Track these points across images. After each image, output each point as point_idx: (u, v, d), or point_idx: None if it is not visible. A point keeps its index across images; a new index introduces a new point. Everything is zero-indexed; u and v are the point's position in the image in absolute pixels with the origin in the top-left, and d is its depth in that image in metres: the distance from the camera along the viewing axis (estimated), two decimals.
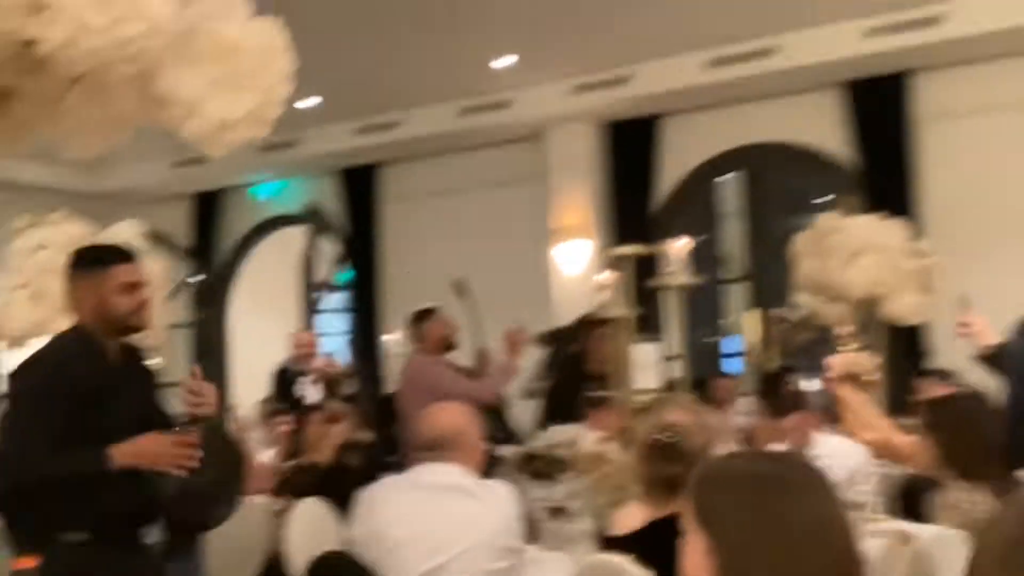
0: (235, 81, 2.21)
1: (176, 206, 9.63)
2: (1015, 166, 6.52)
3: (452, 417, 3.09)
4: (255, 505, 4.63)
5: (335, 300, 9.78)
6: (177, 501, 2.58)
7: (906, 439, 3.41)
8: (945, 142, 6.77)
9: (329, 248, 9.31)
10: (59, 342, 2.74)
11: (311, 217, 8.62)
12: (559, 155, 7.91)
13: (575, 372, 5.48)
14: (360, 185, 8.92)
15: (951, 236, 6.35)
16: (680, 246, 3.86)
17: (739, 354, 8.94)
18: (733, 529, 1.33)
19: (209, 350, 9.84)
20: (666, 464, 2.79)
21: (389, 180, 8.90)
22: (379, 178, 8.93)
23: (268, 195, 9.51)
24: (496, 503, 2.96)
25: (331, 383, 6.56)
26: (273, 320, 9.53)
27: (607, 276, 4.01)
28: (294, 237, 9.88)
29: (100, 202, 8.54)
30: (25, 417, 2.54)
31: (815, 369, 6.71)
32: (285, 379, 6.97)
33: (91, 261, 2.68)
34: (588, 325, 5.47)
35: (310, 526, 3.77)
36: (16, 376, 2.62)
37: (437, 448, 3.00)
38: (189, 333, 9.45)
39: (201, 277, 9.52)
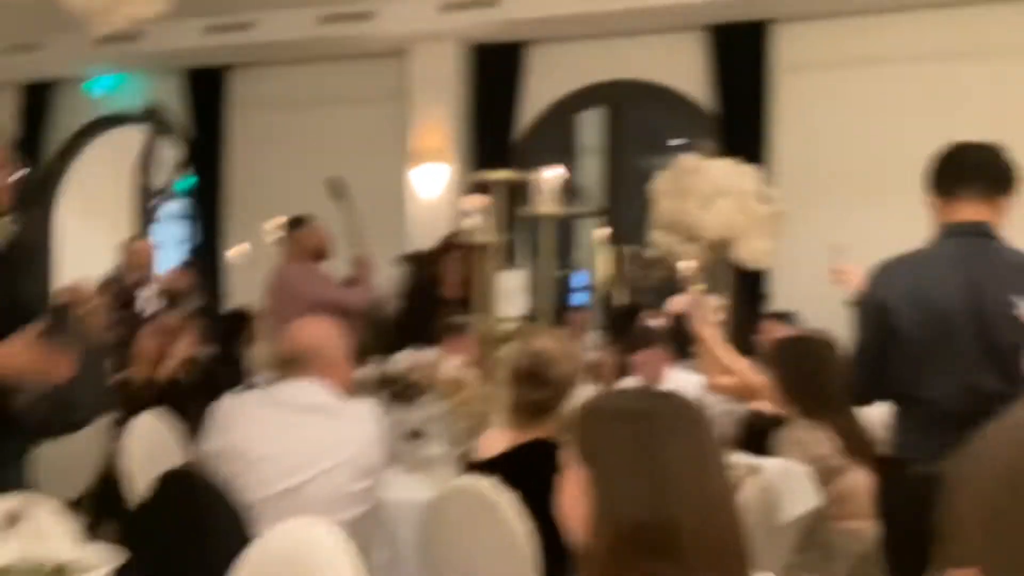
0: None
1: (1, 96, 8.83)
2: (865, 121, 6.81)
3: (314, 331, 2.97)
4: None
5: (173, 208, 9.28)
6: (37, 406, 2.32)
7: (761, 379, 3.53)
8: (801, 93, 6.98)
9: (169, 152, 8.77)
10: None
11: (151, 117, 8.07)
12: (422, 75, 7.69)
13: (430, 296, 5.42)
14: (207, 87, 8.41)
15: (799, 185, 6.59)
16: (552, 175, 3.81)
17: (588, 288, 9.10)
18: (613, 464, 1.36)
19: (30, 254, 9.17)
20: (533, 389, 2.81)
21: (239, 85, 8.43)
22: (228, 82, 8.44)
23: (104, 91, 8.83)
24: (358, 423, 2.88)
25: (174, 297, 6.24)
26: (103, 226, 8.95)
27: (474, 200, 3.92)
28: (131, 138, 9.26)
29: None
30: None
31: (662, 306, 6.93)
32: (121, 291, 6.57)
33: None
34: (446, 249, 5.40)
35: (150, 441, 3.62)
36: None
37: (298, 364, 2.88)
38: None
39: (23, 173, 8.82)
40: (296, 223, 5.49)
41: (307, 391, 2.89)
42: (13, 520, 1.53)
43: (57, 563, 1.59)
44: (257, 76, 8.35)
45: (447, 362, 3.69)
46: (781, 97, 7.01)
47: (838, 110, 6.87)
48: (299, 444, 2.80)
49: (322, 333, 2.97)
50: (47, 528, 1.63)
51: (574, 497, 1.39)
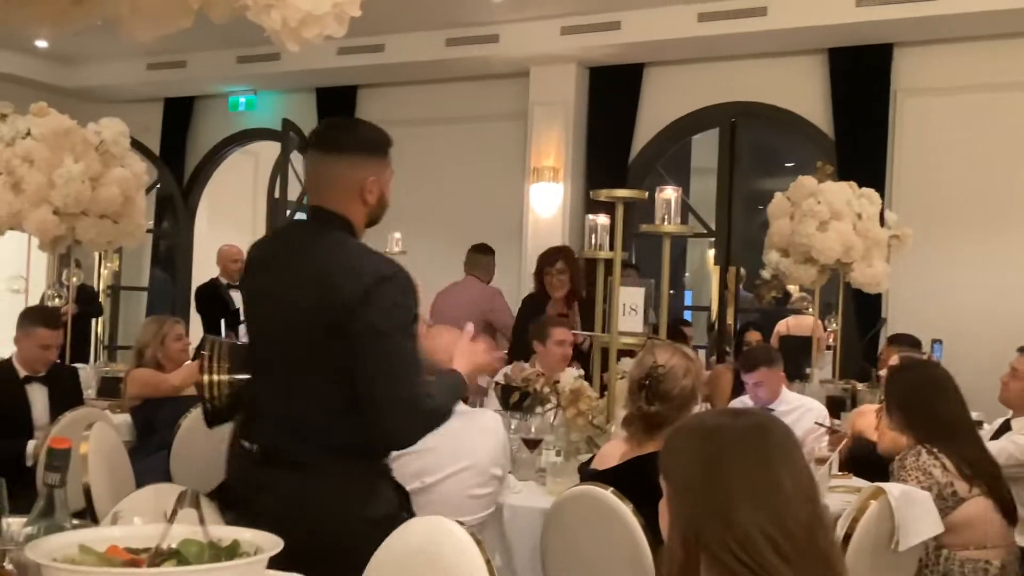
0: None
1: (148, 109, 9.45)
2: (985, 147, 6.70)
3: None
4: None
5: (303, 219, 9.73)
6: None
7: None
8: (921, 117, 6.92)
9: (302, 168, 9.21)
10: None
11: (286, 133, 8.52)
12: (542, 95, 7.91)
13: (537, 309, 5.57)
14: (338, 105, 8.82)
15: (917, 209, 6.53)
16: (670, 194, 3.94)
17: (702, 307, 9.13)
18: (683, 480, 1.40)
19: (171, 259, 9.78)
20: (650, 403, 2.90)
21: (368, 103, 8.82)
22: (358, 100, 8.85)
23: (243, 107, 9.38)
24: (486, 429, 3.06)
25: None
26: (239, 234, 9.46)
27: (598, 217, 4.08)
28: (266, 152, 9.77)
29: (71, 98, 8.37)
30: None
31: (773, 327, 6.93)
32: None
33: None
34: (549, 262, 5.56)
35: None
36: None
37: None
38: (152, 240, 9.38)
39: (166, 184, 9.42)
40: (484, 249, 6.40)
41: None
42: (172, 514, 1.61)
43: (233, 539, 1.67)
44: (385, 95, 8.73)
45: (568, 373, 3.84)
46: (901, 121, 6.96)
47: (959, 135, 6.78)
48: (430, 446, 2.96)
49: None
50: (204, 515, 1.72)
51: (663, 513, 1.44)
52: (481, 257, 6.39)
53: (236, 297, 7.27)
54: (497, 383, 4.04)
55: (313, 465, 2.17)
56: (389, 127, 9.11)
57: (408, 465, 2.95)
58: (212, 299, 7.27)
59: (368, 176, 2.30)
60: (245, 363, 2.36)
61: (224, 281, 7.41)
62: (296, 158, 8.85)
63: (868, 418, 3.81)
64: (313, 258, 2.18)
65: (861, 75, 6.99)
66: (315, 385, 2.18)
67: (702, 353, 7.08)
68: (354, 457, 2.20)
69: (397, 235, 6.54)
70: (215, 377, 2.34)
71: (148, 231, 7.41)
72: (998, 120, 6.66)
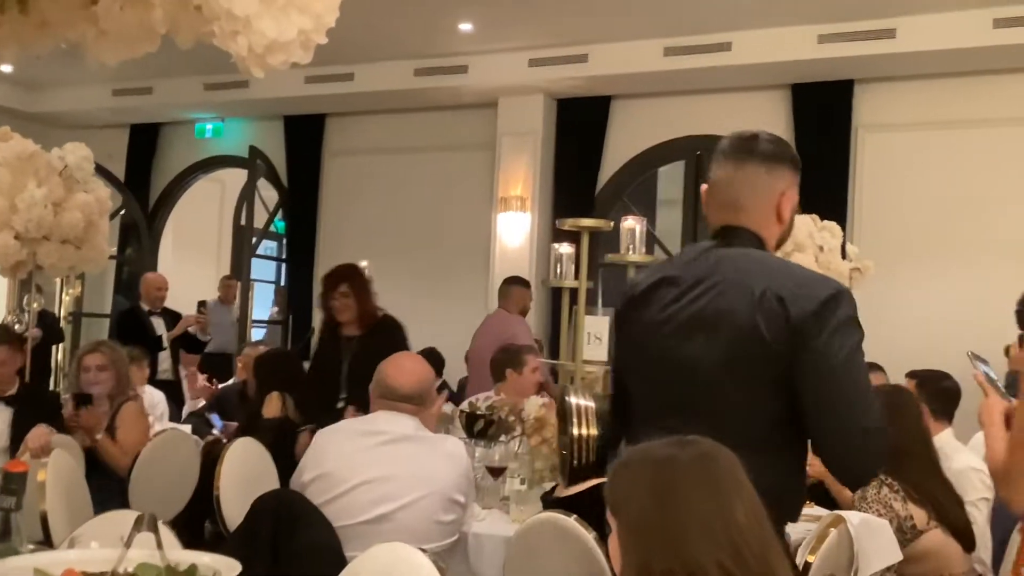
0: (288, 3, 2.21)
1: (114, 135, 9.40)
2: (943, 182, 6.85)
3: (427, 372, 3.17)
4: (183, 439, 4.65)
5: (268, 248, 9.70)
6: None
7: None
8: (881, 152, 7.06)
9: (268, 195, 9.21)
10: None
11: (252, 160, 8.51)
12: (510, 125, 7.98)
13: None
14: (306, 134, 8.85)
15: (878, 242, 6.63)
16: (636, 224, 3.98)
17: None
18: (634, 513, 1.36)
19: (134, 286, 9.69)
20: (592, 429, 2.86)
21: (336, 132, 8.85)
22: (326, 129, 8.87)
23: (209, 134, 9.36)
24: (449, 456, 3.05)
25: None
26: (204, 260, 9.41)
27: (563, 247, 4.11)
28: (232, 179, 9.75)
29: (36, 123, 8.31)
30: None
31: None
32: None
33: None
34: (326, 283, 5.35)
35: (244, 466, 3.81)
36: None
37: (409, 400, 3.07)
38: (115, 266, 9.29)
39: (131, 211, 9.35)
40: (516, 281, 6.36)
41: (402, 423, 3.07)
42: (129, 538, 1.60)
43: (190, 563, 1.67)
44: (353, 124, 8.76)
45: (533, 402, 3.84)
46: (862, 155, 7.09)
47: (918, 170, 6.92)
48: (392, 473, 2.96)
49: (425, 375, 3.17)
50: (163, 540, 1.71)
51: (612, 545, 1.40)
52: (506, 288, 6.38)
53: (157, 324, 7.21)
54: (462, 411, 4.04)
55: None
56: (357, 156, 9.26)
57: (369, 492, 2.94)
58: (133, 326, 7.21)
59: (786, 189, 2.03)
60: (602, 415, 2.10)
61: (146, 308, 7.35)
62: (263, 185, 8.85)
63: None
64: (747, 277, 1.89)
65: (822, 110, 7.12)
66: (744, 421, 1.87)
67: None
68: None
69: (364, 263, 6.53)
70: (583, 431, 2.08)
71: (111, 257, 7.35)
72: (956, 156, 6.82)
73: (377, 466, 2.97)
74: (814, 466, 3.71)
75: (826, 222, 5.85)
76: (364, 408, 3.53)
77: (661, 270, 2.09)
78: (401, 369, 3.11)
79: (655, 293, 2.01)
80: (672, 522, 1.31)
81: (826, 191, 6.95)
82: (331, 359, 4.62)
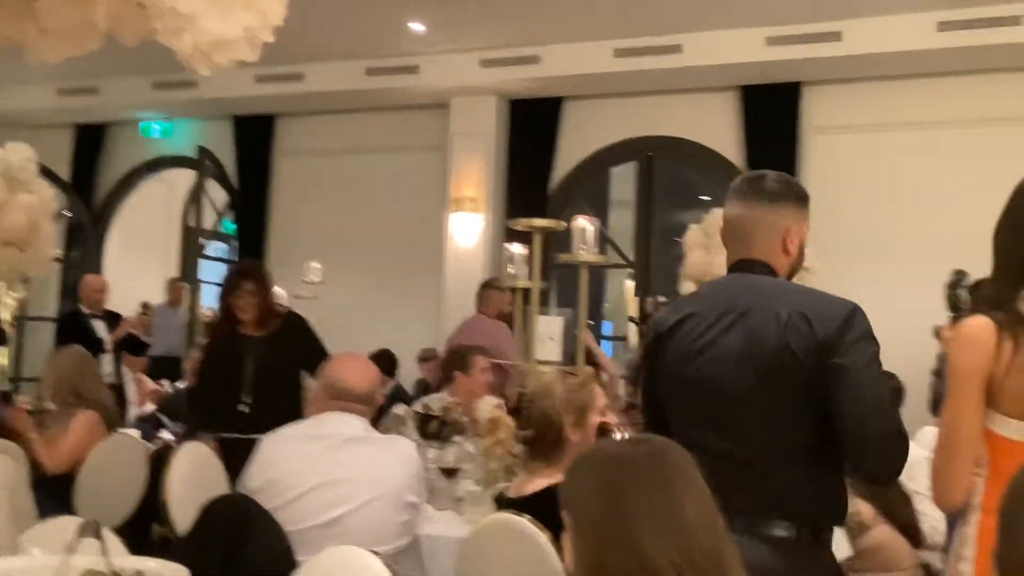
0: (234, 0, 2.18)
1: (58, 135, 9.21)
2: (890, 183, 6.97)
3: (377, 372, 3.15)
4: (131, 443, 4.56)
5: (217, 249, 9.57)
6: None
7: None
8: (829, 153, 7.17)
9: (216, 195, 9.10)
10: None
11: (201, 161, 8.39)
12: (462, 126, 7.97)
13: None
14: (256, 134, 8.75)
15: (826, 243, 6.73)
16: (588, 224, 3.99)
17: (618, 337, 9.22)
18: (585, 511, 1.37)
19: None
20: (521, 427, 2.88)
21: (287, 132, 8.77)
22: (276, 129, 8.78)
23: (157, 134, 9.21)
24: (399, 457, 3.02)
25: None
26: (151, 262, 9.27)
27: (515, 247, 4.11)
28: (180, 180, 9.61)
29: None
30: None
31: None
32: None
33: None
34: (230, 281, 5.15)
35: (193, 470, 3.74)
36: None
37: (359, 401, 3.04)
38: (61, 269, 9.10)
39: (77, 212, 9.18)
40: (493, 284, 6.11)
41: (352, 425, 3.03)
42: (72, 545, 1.58)
43: (136, 570, 1.64)
44: (304, 124, 8.68)
45: (487, 402, 3.83)
46: (810, 156, 7.20)
47: (865, 171, 7.04)
48: (343, 476, 2.92)
49: (376, 375, 3.15)
50: (108, 546, 1.68)
51: (566, 544, 1.41)
52: (484, 292, 6.21)
53: (98, 327, 7.07)
54: (416, 412, 4.02)
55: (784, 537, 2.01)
56: (308, 157, 9.16)
57: (320, 497, 2.90)
58: (74, 329, 7.06)
59: (791, 224, 2.17)
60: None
61: (86, 311, 7.20)
62: (211, 186, 8.73)
63: None
64: (771, 302, 2.05)
65: (771, 112, 7.22)
66: (780, 436, 2.04)
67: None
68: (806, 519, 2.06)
69: (315, 265, 6.48)
70: None
71: (56, 260, 7.18)
72: (902, 157, 6.95)
73: (328, 470, 2.93)
74: None
75: None
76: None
77: (686, 306, 2.25)
78: (353, 369, 3.08)
79: (683, 327, 2.16)
80: (622, 520, 1.31)
81: None
82: (230, 360, 4.32)
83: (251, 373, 4.26)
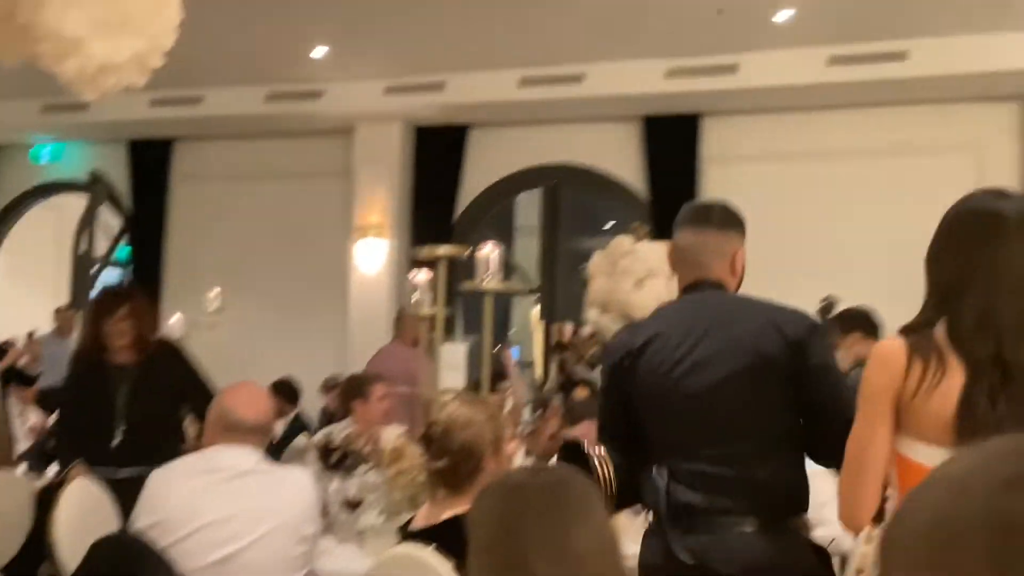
0: (122, 24, 2.10)
1: None
2: (782, 211, 7.17)
3: (268, 404, 3.06)
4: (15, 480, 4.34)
5: (111, 276, 9.25)
6: None
7: None
8: (726, 182, 7.34)
9: (111, 221, 8.81)
10: None
11: (94, 186, 8.11)
12: (366, 153, 7.90)
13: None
14: (152, 159, 8.51)
15: None
16: (492, 252, 3.98)
17: (524, 363, 9.23)
18: (483, 539, 1.39)
19: None
20: (435, 458, 2.83)
21: (184, 157, 8.55)
22: (173, 154, 8.56)
23: (48, 158, 8.87)
24: (294, 488, 2.94)
25: None
26: (40, 290, 8.89)
27: (420, 275, 4.07)
28: (72, 206, 9.26)
29: None
30: None
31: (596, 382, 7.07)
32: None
33: None
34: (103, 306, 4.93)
35: (82, 508, 3.59)
36: None
37: (251, 432, 2.95)
38: None
39: None
40: (409, 311, 5.91)
41: (245, 457, 2.94)
42: None
43: None
44: (203, 149, 8.48)
45: (390, 432, 3.77)
46: (708, 185, 7.37)
47: (759, 200, 7.16)
48: (236, 510, 2.83)
49: (269, 405, 3.06)
50: None
51: (469, 570, 1.42)
52: (400, 319, 6.15)
53: None
54: (317, 444, 3.93)
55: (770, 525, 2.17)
56: (207, 182, 8.95)
57: (213, 533, 2.80)
58: None
59: (737, 248, 2.43)
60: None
61: None
62: (105, 211, 8.45)
63: None
64: (742, 314, 2.28)
65: (672, 141, 7.37)
66: (763, 431, 2.20)
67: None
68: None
69: (215, 291, 6.31)
70: (608, 473, 2.27)
71: None
72: (793, 186, 7.17)
73: (220, 505, 2.83)
74: None
75: None
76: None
77: (649, 327, 2.38)
78: (243, 400, 2.98)
79: (652, 345, 2.30)
80: (515, 546, 1.33)
81: (676, 219, 7.17)
82: (99, 389, 4.05)
83: (123, 404, 4.02)
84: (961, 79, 6.47)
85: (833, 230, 6.98)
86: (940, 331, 1.77)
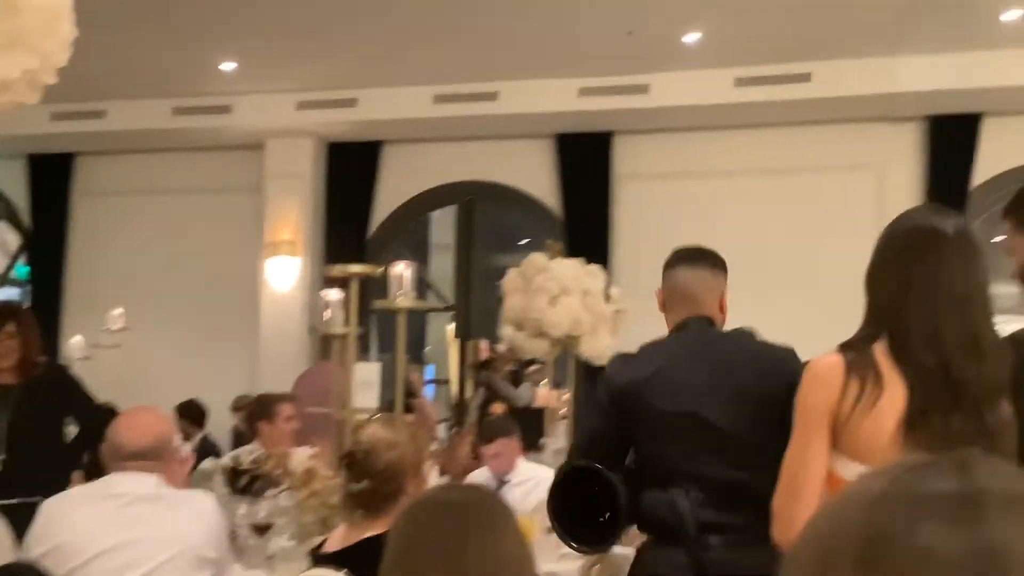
0: (12, 42, 2.01)
1: None
2: (692, 227, 7.28)
3: (162, 424, 2.96)
4: None
5: (10, 295, 8.89)
6: None
7: None
8: (638, 199, 7.45)
9: (8, 238, 8.48)
10: None
11: None
12: (278, 169, 7.78)
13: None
14: (52, 174, 8.22)
15: (637, 285, 6.96)
16: (405, 269, 3.95)
17: (440, 380, 9.18)
18: (390, 556, 1.41)
19: None
20: (355, 480, 2.79)
21: (87, 172, 8.28)
22: (76, 168, 8.29)
23: None
24: (196, 513, 2.86)
25: None
26: None
27: (332, 293, 4.01)
28: None
29: None
30: None
31: (510, 399, 7.08)
32: None
33: None
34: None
35: None
36: None
37: (142, 457, 2.85)
38: None
39: None
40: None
41: (144, 483, 2.85)
42: None
43: None
44: (106, 164, 8.24)
45: (299, 454, 3.69)
46: (621, 202, 7.46)
47: (670, 216, 7.35)
48: (135, 537, 2.74)
49: (166, 427, 2.97)
50: None
51: None
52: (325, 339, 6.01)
53: None
54: (224, 467, 3.82)
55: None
56: (110, 197, 8.68)
57: (111, 561, 2.70)
58: None
59: (724, 288, 2.62)
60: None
61: None
62: (1, 228, 8.13)
63: None
64: (742, 350, 2.45)
65: (585, 160, 7.44)
66: (761, 463, 2.18)
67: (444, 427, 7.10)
68: None
69: (118, 311, 6.11)
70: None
71: None
72: (701, 204, 7.30)
73: (118, 531, 2.73)
74: None
75: (590, 266, 6.09)
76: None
77: (654, 357, 2.53)
78: (132, 425, 2.89)
79: (657, 378, 2.45)
80: (414, 565, 1.37)
81: (590, 237, 7.25)
82: None
83: (4, 428, 3.82)
84: (863, 100, 6.70)
85: (741, 246, 7.11)
86: (879, 348, 1.74)
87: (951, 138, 6.86)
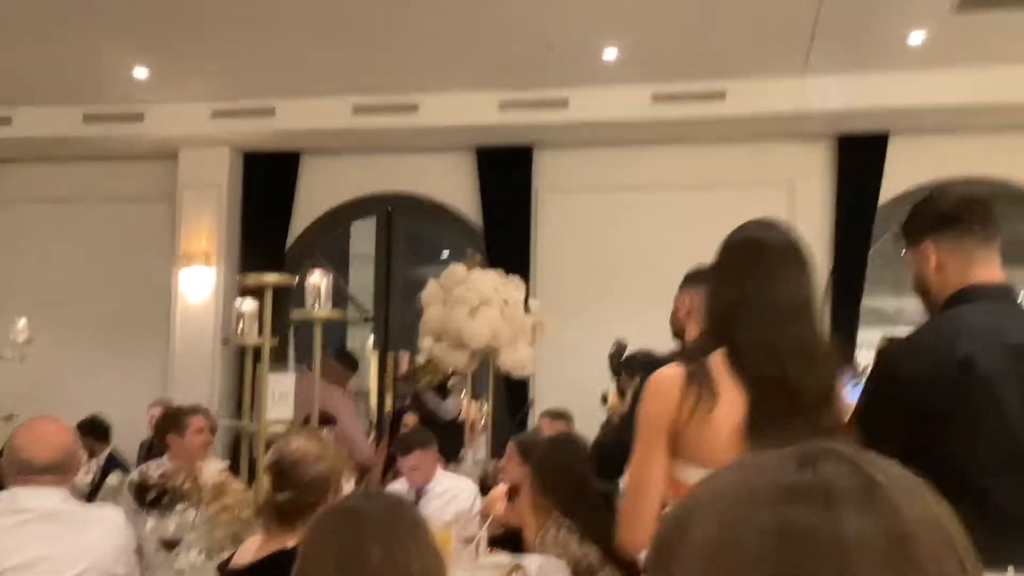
0: None
1: None
2: (610, 239, 7.40)
3: (67, 435, 2.87)
4: None
5: None
6: None
7: None
8: (558, 212, 7.51)
9: None
10: None
11: None
12: (192, 178, 7.62)
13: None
14: None
15: (556, 296, 7.02)
16: (321, 279, 3.90)
17: (361, 392, 9.06)
18: (317, 568, 1.44)
19: None
20: (279, 491, 2.75)
21: None
22: None
23: None
24: (103, 529, 2.79)
25: None
26: None
27: (245, 303, 3.94)
28: None
29: None
30: None
31: (429, 410, 7.04)
32: None
33: None
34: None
35: None
36: None
37: (47, 472, 2.76)
38: None
39: None
40: (341, 354, 5.97)
41: (47, 498, 2.76)
42: None
43: None
44: (12, 172, 7.96)
45: (210, 467, 3.61)
46: (542, 215, 7.50)
47: (589, 230, 7.44)
48: (42, 553, 2.67)
49: (70, 438, 2.88)
50: None
51: None
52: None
53: None
54: (131, 481, 3.71)
55: None
56: (16, 205, 8.40)
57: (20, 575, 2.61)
58: None
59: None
60: None
61: None
62: None
63: (499, 503, 3.93)
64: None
65: (505, 173, 7.47)
66: None
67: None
68: None
69: (22, 322, 5.90)
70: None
71: None
72: (622, 217, 7.41)
73: (24, 548, 2.65)
74: (504, 514, 3.82)
75: (511, 277, 6.11)
76: None
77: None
78: (34, 438, 2.79)
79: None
80: (353, 570, 1.39)
81: (510, 248, 7.27)
82: None
83: None
84: (775, 119, 6.87)
85: (658, 259, 7.23)
86: (716, 359, 1.83)
87: (860, 156, 7.08)
